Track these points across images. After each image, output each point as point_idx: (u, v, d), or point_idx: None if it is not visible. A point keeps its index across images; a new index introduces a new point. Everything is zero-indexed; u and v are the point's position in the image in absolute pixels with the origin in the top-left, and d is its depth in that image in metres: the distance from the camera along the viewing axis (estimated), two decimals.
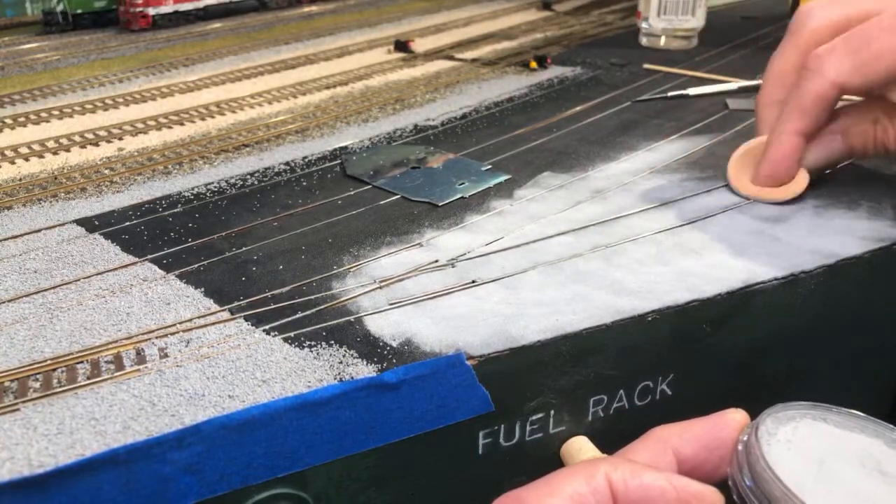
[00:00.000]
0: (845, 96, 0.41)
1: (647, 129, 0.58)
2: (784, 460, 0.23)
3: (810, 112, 0.40)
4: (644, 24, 0.85)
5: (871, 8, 0.39)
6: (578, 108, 0.64)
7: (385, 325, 0.33)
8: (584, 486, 0.24)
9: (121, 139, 0.60)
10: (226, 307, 0.34)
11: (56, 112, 0.67)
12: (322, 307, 0.34)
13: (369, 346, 0.31)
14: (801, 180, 0.42)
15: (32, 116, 0.66)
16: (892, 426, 0.25)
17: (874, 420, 0.25)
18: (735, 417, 0.27)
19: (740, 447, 0.25)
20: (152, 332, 0.33)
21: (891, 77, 0.38)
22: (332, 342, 0.31)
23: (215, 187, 0.50)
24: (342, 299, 0.35)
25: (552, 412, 0.33)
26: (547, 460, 0.34)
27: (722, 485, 0.25)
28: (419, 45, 0.89)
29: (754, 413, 0.27)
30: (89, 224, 0.44)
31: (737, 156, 0.45)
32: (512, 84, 0.73)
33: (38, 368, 0.30)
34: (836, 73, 0.39)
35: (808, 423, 0.25)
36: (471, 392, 0.31)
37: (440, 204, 0.45)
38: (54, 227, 0.44)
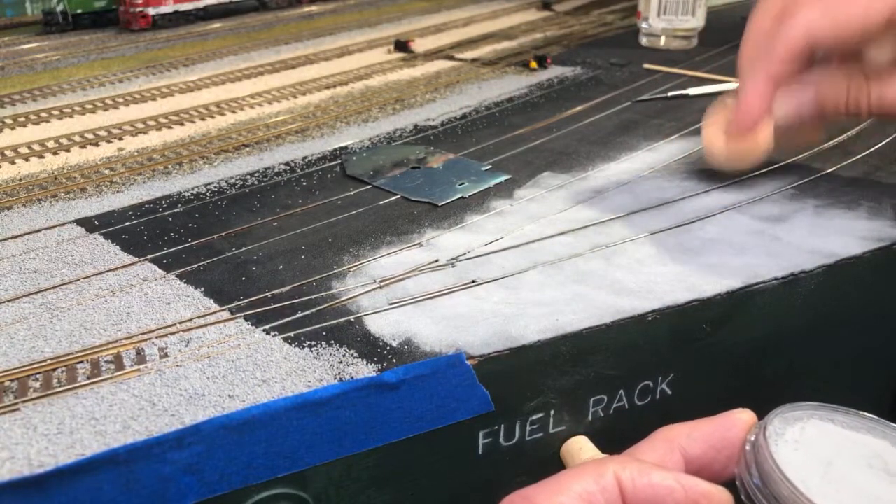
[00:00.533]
0: None
1: (647, 129, 0.58)
2: (792, 460, 0.23)
3: (781, 59, 0.40)
4: (644, 24, 0.85)
5: None
6: (578, 108, 0.64)
7: (385, 325, 0.33)
8: (593, 485, 0.24)
9: (121, 139, 0.60)
10: (226, 307, 0.34)
11: (56, 112, 0.67)
12: (322, 307, 0.34)
13: (369, 346, 0.31)
14: (765, 138, 0.42)
15: (32, 116, 0.66)
16: None
17: (881, 421, 0.25)
18: (742, 417, 0.27)
19: (748, 447, 0.25)
20: (152, 332, 0.33)
21: (861, 32, 0.38)
22: (332, 342, 0.31)
23: (215, 187, 0.50)
24: (342, 299, 0.35)
25: (552, 412, 0.33)
26: (547, 460, 0.34)
27: (729, 485, 0.25)
28: (419, 45, 0.89)
29: (755, 411, 0.27)
30: (89, 224, 0.44)
31: (710, 117, 0.45)
32: (512, 84, 0.73)
33: (38, 368, 0.30)
34: (809, 22, 0.39)
35: (816, 424, 0.25)
36: (471, 392, 0.31)
37: (440, 204, 0.45)
38: (54, 227, 0.44)
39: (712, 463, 0.26)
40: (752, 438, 0.25)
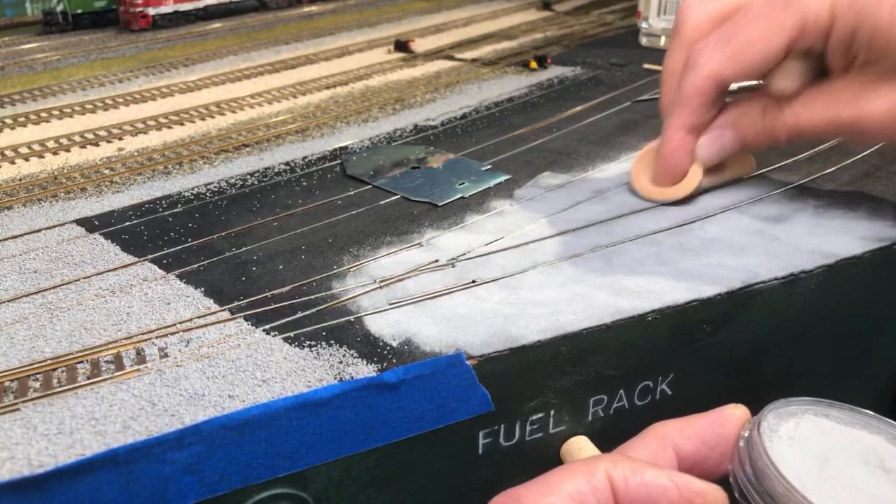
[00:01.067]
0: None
1: (647, 129, 0.58)
2: (786, 456, 0.23)
3: (691, 106, 0.40)
4: (644, 24, 0.85)
5: (743, 0, 0.39)
6: (578, 108, 0.64)
7: (385, 325, 0.33)
8: (584, 485, 0.23)
9: (121, 139, 0.60)
10: (226, 307, 0.34)
11: (56, 112, 0.67)
12: (322, 307, 0.34)
13: (369, 346, 0.31)
14: (693, 177, 0.42)
15: (32, 116, 0.66)
16: (894, 422, 0.25)
17: (876, 416, 0.25)
18: (735, 413, 0.26)
19: (742, 443, 0.25)
20: (152, 332, 0.33)
21: (763, 64, 0.38)
22: (332, 342, 0.31)
23: (215, 187, 0.50)
24: (342, 299, 0.35)
25: (552, 412, 0.33)
26: (547, 460, 0.34)
27: (723, 481, 0.25)
28: (419, 45, 0.89)
29: (755, 412, 0.27)
30: (89, 224, 0.44)
31: (638, 158, 0.45)
32: (512, 84, 0.73)
33: (38, 368, 0.30)
34: (710, 64, 0.39)
35: (811, 419, 0.25)
36: (471, 392, 0.31)
37: (440, 204, 0.45)
38: (54, 227, 0.44)
39: (705, 459, 0.26)
40: (746, 434, 0.25)
